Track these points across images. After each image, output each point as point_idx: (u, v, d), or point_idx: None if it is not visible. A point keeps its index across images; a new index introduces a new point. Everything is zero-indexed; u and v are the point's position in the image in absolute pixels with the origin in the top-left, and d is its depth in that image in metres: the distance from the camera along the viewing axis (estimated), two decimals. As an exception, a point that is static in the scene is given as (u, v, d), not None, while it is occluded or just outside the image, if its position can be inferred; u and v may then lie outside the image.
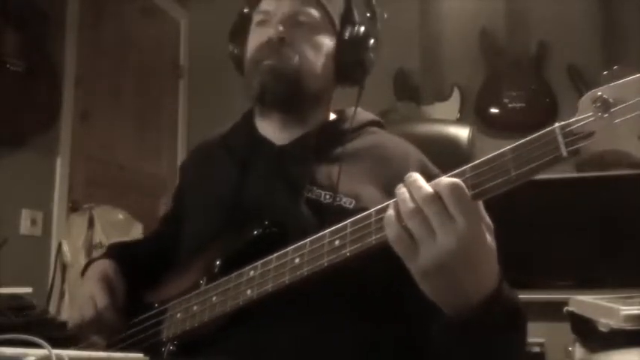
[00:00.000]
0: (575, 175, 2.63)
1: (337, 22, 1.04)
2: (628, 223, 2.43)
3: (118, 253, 1.10)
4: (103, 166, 2.86)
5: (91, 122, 2.80)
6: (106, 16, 2.97)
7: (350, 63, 1.03)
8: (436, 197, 0.64)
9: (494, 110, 2.89)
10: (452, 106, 2.99)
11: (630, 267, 2.30)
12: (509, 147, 0.65)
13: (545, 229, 2.54)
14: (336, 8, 1.05)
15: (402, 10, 3.14)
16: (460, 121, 2.90)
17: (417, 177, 0.67)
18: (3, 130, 2.30)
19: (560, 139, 0.62)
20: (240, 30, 1.07)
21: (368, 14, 1.07)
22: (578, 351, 1.69)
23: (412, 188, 0.66)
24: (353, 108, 1.06)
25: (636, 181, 2.46)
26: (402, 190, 0.68)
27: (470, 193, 0.65)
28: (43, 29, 2.43)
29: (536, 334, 2.38)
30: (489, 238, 0.67)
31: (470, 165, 0.67)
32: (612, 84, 0.61)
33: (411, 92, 3.05)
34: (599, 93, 0.61)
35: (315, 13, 1.01)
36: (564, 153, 0.61)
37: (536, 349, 2.39)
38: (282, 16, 0.99)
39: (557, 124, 0.63)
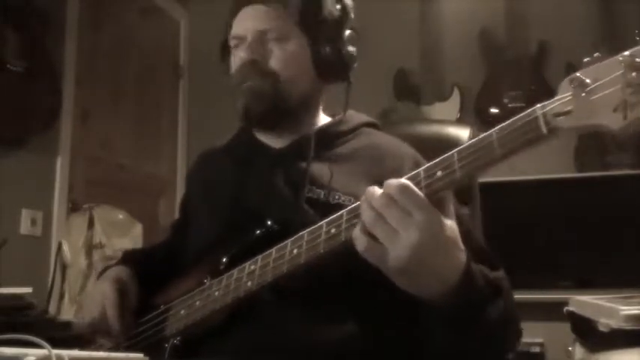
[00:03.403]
0: (575, 175, 2.63)
1: (307, 24, 1.04)
2: (628, 223, 2.43)
3: (133, 260, 1.13)
4: (103, 166, 2.86)
5: (91, 122, 2.80)
6: (106, 16, 2.97)
7: (327, 59, 1.03)
8: (390, 199, 0.70)
9: (494, 110, 2.89)
10: (452, 106, 2.99)
11: (630, 267, 2.30)
12: (494, 129, 0.69)
13: (546, 228, 2.54)
14: (304, 11, 1.04)
15: (402, 10, 3.14)
16: (460, 121, 2.90)
17: (372, 189, 0.72)
18: (3, 130, 2.30)
19: (540, 118, 0.66)
20: (224, 55, 1.10)
21: (338, 7, 1.06)
22: (578, 351, 1.69)
23: (369, 198, 0.71)
24: (348, 111, 1.09)
25: (636, 181, 2.46)
26: (362, 202, 0.72)
27: (423, 189, 0.70)
28: (43, 29, 2.43)
29: (536, 334, 2.38)
30: (450, 223, 0.72)
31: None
32: (588, 67, 0.66)
33: (411, 92, 3.05)
34: (577, 74, 0.66)
35: (281, 24, 1.02)
36: (544, 130, 0.65)
37: (536, 349, 2.39)
38: (251, 38, 1.01)
39: (537, 105, 0.67)
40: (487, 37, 3.00)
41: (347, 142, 1.04)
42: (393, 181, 0.71)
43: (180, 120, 3.48)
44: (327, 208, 0.91)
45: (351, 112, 1.10)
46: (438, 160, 0.73)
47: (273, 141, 1.06)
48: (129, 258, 1.14)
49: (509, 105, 2.85)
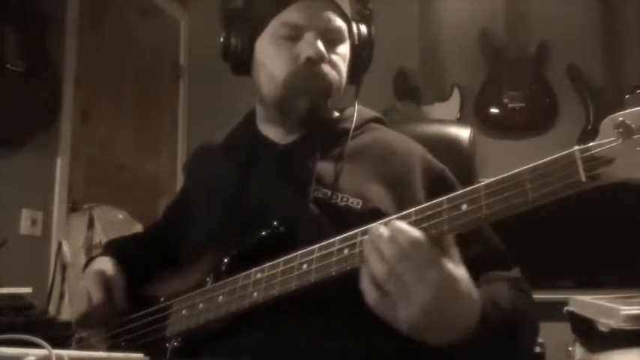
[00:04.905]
0: (575, 175, 2.63)
1: (354, 29, 1.06)
2: (628, 224, 2.43)
3: (116, 249, 1.10)
4: (103, 166, 2.86)
5: (91, 122, 2.80)
6: (106, 16, 2.97)
7: (362, 66, 1.06)
8: (405, 254, 0.65)
9: (494, 110, 2.89)
10: (452, 106, 2.99)
11: (630, 267, 2.30)
12: (524, 168, 0.63)
13: (546, 228, 2.54)
14: (352, 17, 1.06)
15: (402, 10, 3.14)
16: (460, 121, 2.90)
17: (381, 232, 0.68)
18: (3, 130, 2.30)
19: (579, 163, 0.59)
20: (249, 33, 1.02)
21: (367, 12, 1.08)
22: (578, 351, 1.69)
23: (381, 245, 0.67)
24: (353, 106, 1.06)
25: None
26: (370, 251, 0.68)
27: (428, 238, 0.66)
28: (43, 29, 2.43)
29: (537, 334, 2.37)
30: (460, 272, 0.69)
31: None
32: (634, 109, 0.59)
33: (411, 92, 3.05)
34: (621, 118, 0.59)
35: (341, 24, 1.00)
36: (583, 178, 0.59)
37: (536, 349, 2.38)
38: (318, 33, 0.96)
39: (576, 147, 0.60)
40: (487, 37, 3.00)
41: (354, 139, 1.01)
42: (404, 232, 0.66)
43: (180, 120, 3.48)
44: (334, 209, 0.90)
45: (358, 107, 1.08)
46: (461, 192, 0.67)
47: (279, 136, 1.04)
48: (112, 248, 1.12)
49: (509, 105, 2.85)
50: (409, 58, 3.08)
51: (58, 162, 2.58)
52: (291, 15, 0.97)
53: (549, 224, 2.55)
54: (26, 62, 2.29)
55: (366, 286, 0.69)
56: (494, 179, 0.65)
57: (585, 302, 1.65)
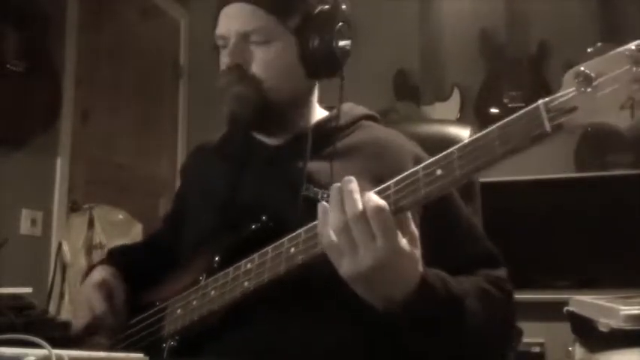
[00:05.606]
0: (575, 175, 2.64)
1: (293, 21, 0.97)
2: (628, 223, 2.43)
3: (118, 257, 1.11)
4: (103, 166, 2.86)
5: (91, 122, 2.80)
6: (106, 16, 2.97)
7: (315, 57, 0.97)
8: (363, 216, 0.70)
9: (494, 110, 2.89)
10: (452, 106, 2.99)
11: (630, 267, 2.30)
12: (493, 127, 0.67)
13: (545, 228, 2.54)
14: (289, 8, 0.97)
15: (402, 10, 3.14)
16: (460, 121, 2.90)
17: (352, 188, 0.73)
18: (3, 130, 2.30)
19: (544, 114, 0.63)
20: (216, 54, 1.05)
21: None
22: (578, 351, 1.69)
23: (346, 199, 0.72)
24: (345, 104, 1.05)
25: (636, 181, 2.46)
26: (335, 199, 0.73)
27: (392, 210, 0.71)
28: (43, 29, 2.43)
29: (536, 334, 2.38)
30: (408, 248, 0.73)
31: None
32: (594, 60, 0.63)
33: (411, 92, 3.05)
34: (581, 68, 0.63)
35: (265, 24, 0.95)
36: (548, 128, 0.63)
37: (536, 349, 2.39)
38: (234, 40, 0.96)
39: (541, 101, 0.64)
40: (487, 37, 3.00)
41: (345, 137, 1.01)
42: (372, 199, 0.71)
43: (180, 120, 3.48)
44: None
45: (349, 105, 1.06)
46: (435, 158, 0.72)
47: (269, 138, 1.04)
48: (113, 256, 1.12)
49: (509, 105, 2.85)
50: (409, 58, 3.08)
51: (58, 162, 2.58)
52: (219, 27, 0.99)
53: (550, 224, 2.55)
54: (26, 62, 2.30)
55: (321, 228, 0.74)
56: (465, 142, 0.69)
57: (585, 302, 1.65)
